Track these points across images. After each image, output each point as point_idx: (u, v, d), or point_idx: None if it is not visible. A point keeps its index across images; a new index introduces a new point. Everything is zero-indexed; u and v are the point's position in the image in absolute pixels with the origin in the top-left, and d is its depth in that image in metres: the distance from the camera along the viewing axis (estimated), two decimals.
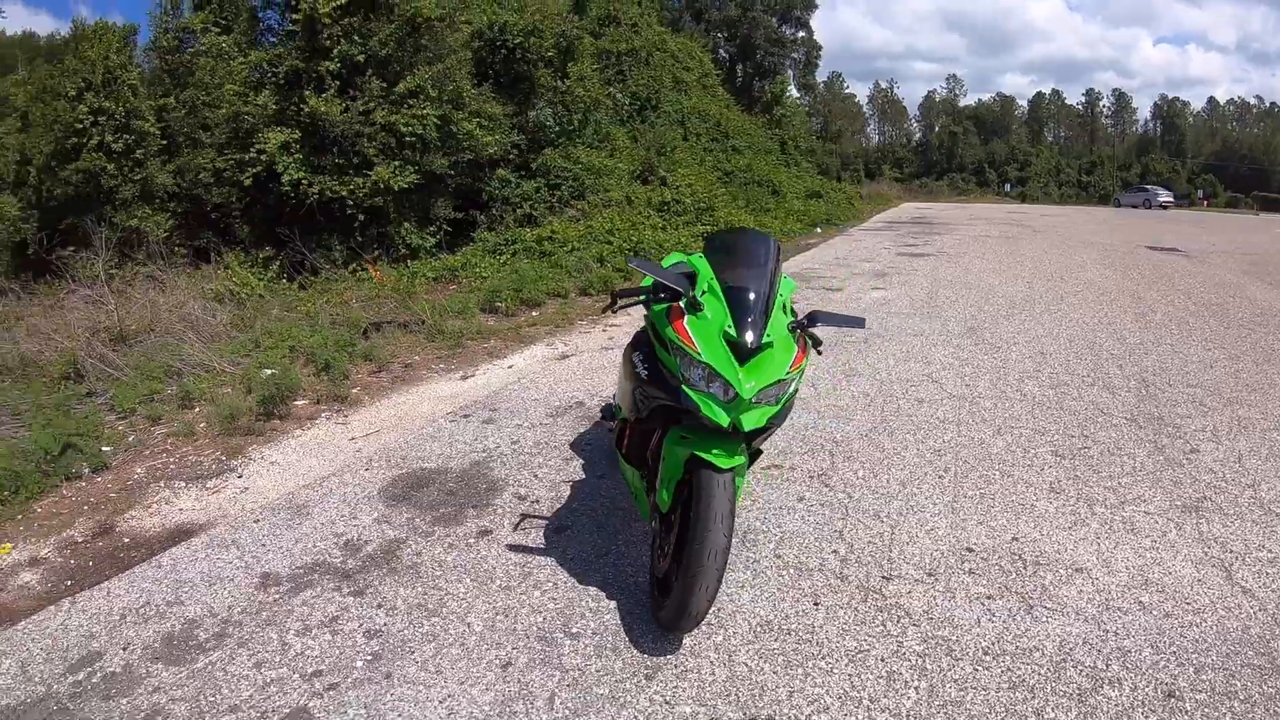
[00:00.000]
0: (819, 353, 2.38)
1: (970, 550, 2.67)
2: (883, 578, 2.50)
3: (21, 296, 8.14)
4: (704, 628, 2.22)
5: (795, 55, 47.23)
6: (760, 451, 2.51)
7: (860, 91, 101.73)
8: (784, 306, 2.30)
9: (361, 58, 9.43)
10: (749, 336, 2.09)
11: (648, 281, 2.57)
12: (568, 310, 7.09)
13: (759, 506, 3.02)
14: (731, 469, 2.07)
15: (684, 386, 2.08)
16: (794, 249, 12.57)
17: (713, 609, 2.21)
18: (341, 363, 4.92)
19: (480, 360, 5.42)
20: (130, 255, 8.99)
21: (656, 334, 2.31)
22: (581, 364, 5.25)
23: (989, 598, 2.39)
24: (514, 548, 2.70)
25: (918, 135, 68.08)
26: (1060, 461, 3.48)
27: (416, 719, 1.89)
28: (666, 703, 1.95)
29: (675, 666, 2.09)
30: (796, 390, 2.23)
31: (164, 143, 10.44)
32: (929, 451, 3.59)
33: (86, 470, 3.41)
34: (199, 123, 10.52)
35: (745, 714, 1.91)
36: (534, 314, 6.97)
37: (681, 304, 2.20)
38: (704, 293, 2.21)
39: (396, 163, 9.53)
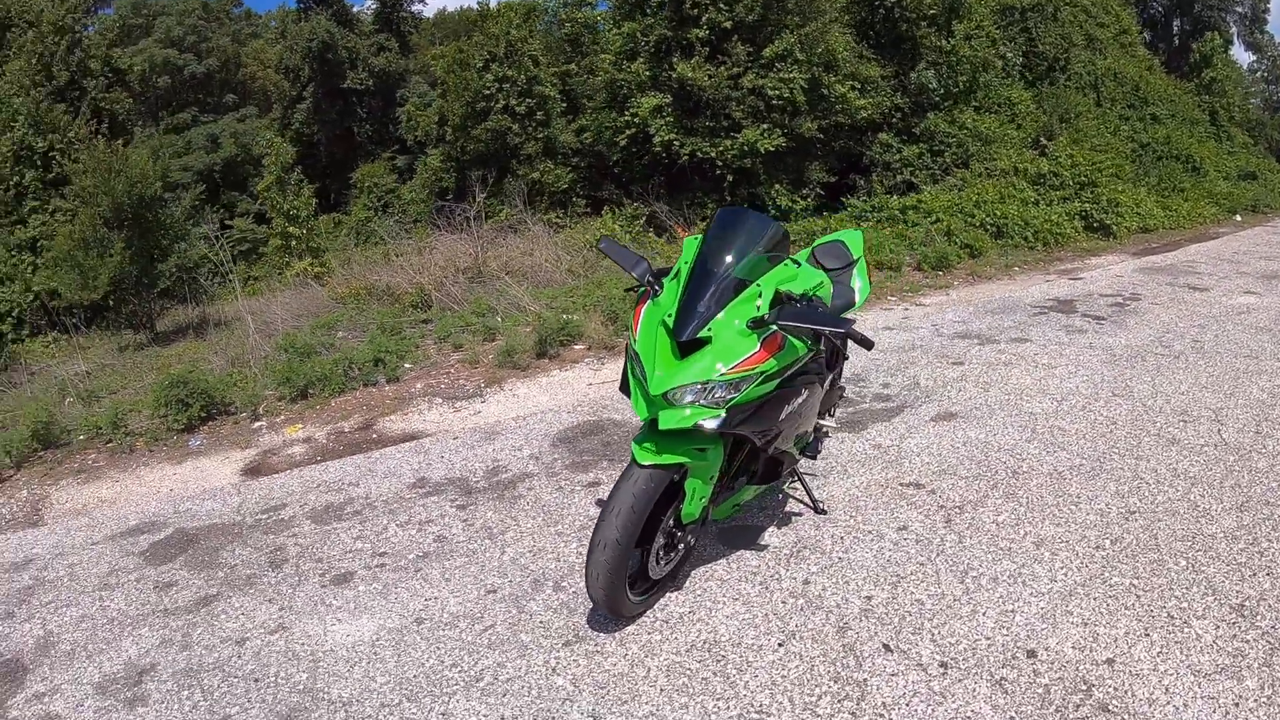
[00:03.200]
0: (866, 347, 2.10)
1: (1032, 655, 2.11)
2: (852, 657, 2.19)
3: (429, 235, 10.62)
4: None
5: (1240, 8, 33.34)
6: (778, 466, 2.44)
7: None
8: (760, 298, 2.12)
9: (728, 24, 9.90)
10: (680, 327, 2.05)
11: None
12: (885, 285, 6.89)
13: (842, 523, 2.81)
14: (654, 465, 2.07)
15: (630, 374, 2.17)
16: (1192, 238, 9.53)
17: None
18: (629, 315, 5.70)
19: None
20: (534, 204, 11.44)
21: None
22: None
23: None
24: (599, 502, 3.00)
25: None
26: None
27: (403, 604, 2.52)
28: (564, 661, 2.18)
29: (592, 642, 2.26)
30: (769, 395, 2.11)
31: (564, 105, 12.50)
32: (1121, 509, 2.74)
33: (382, 380, 4.93)
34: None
35: None
36: None
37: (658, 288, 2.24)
38: (674, 276, 2.22)
39: (765, 126, 9.89)
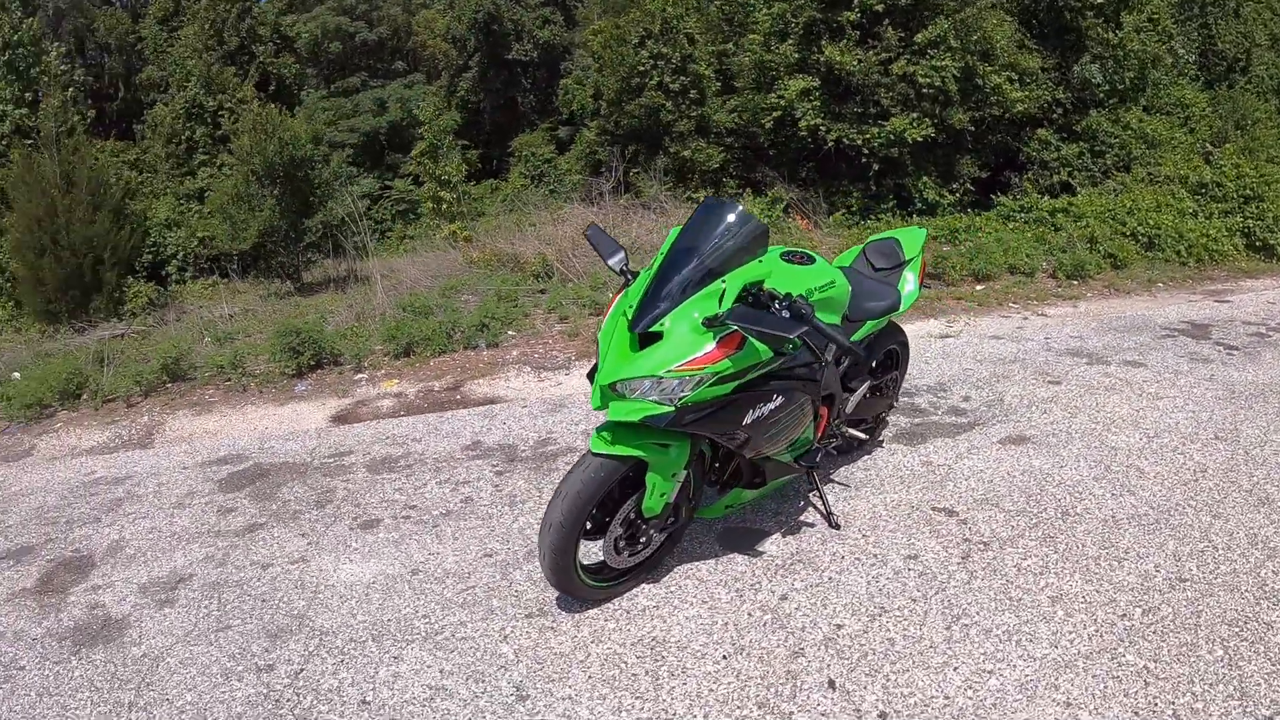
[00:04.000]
0: (851, 357, 2.01)
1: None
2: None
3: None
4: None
5: None
6: (759, 472, 2.41)
7: None
8: (723, 294, 2.05)
9: (880, 7, 9.48)
10: (637, 319, 2.05)
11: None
12: (1012, 290, 6.38)
13: (850, 541, 2.68)
14: (606, 455, 2.10)
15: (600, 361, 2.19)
16: None
17: None
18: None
19: None
20: (686, 182, 11.49)
21: None
22: (948, 349, 4.87)
23: None
24: None
25: None
26: None
27: (408, 555, 2.72)
28: (517, 631, 2.29)
29: (550, 619, 2.34)
30: (729, 397, 2.07)
31: (718, 84, 12.41)
32: (1171, 574, 2.37)
33: (482, 345, 5.26)
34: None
35: None
36: (977, 287, 6.53)
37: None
38: (650, 267, 2.21)
39: (914, 115, 9.51)
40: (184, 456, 3.65)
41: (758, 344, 2.07)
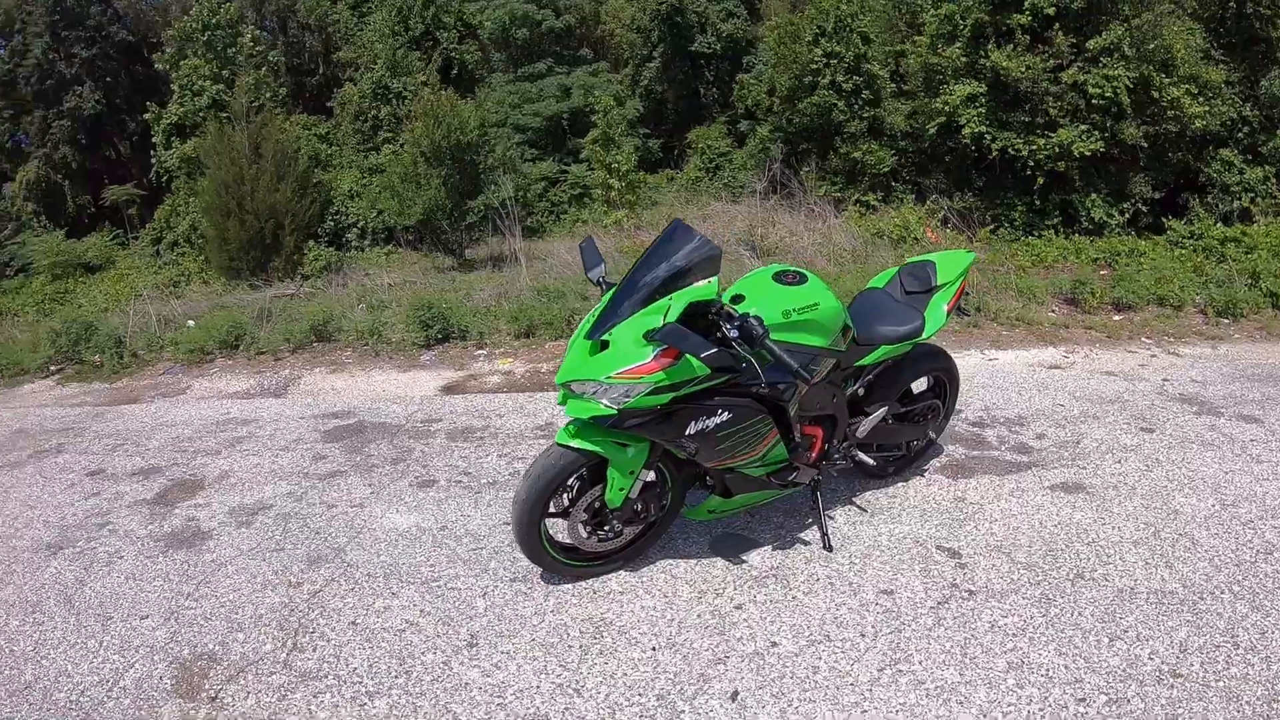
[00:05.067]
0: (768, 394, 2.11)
1: None
2: None
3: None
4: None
5: None
6: (725, 482, 2.52)
7: None
8: (667, 311, 2.18)
9: (1051, 10, 8.88)
10: (594, 328, 2.27)
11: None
12: (1151, 324, 5.72)
13: (834, 566, 2.69)
14: (566, 447, 2.34)
15: None
16: None
17: None
18: None
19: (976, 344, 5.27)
20: (856, 184, 11.24)
21: None
22: (1048, 380, 4.54)
23: None
24: None
25: None
26: None
27: (445, 513, 3.12)
28: (497, 591, 2.62)
29: (530, 584, 2.62)
30: (668, 406, 2.21)
31: (893, 86, 11.93)
32: (1165, 665, 2.12)
33: None
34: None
35: None
36: (1114, 317, 5.94)
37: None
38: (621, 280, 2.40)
39: (1083, 126, 8.93)
40: (304, 408, 4.45)
41: (693, 359, 2.18)
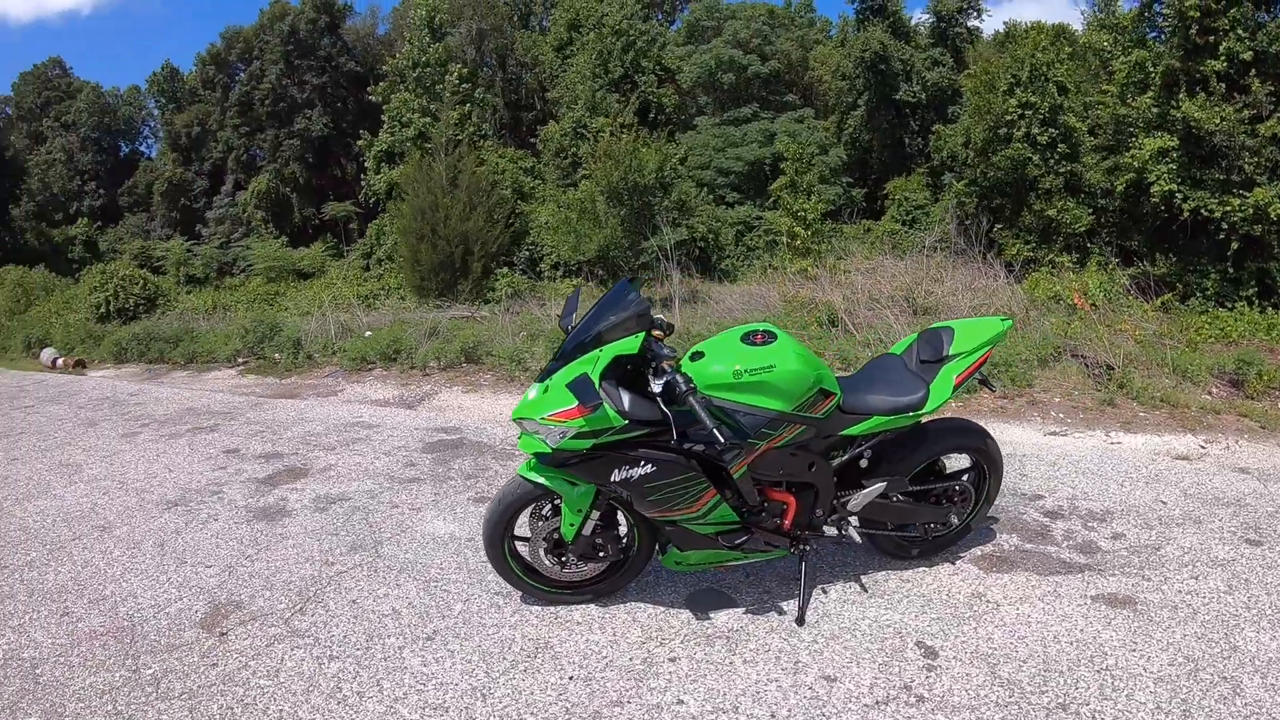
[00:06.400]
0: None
1: None
2: None
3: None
4: None
5: None
6: (670, 535, 2.61)
7: None
8: (596, 363, 2.34)
9: (1248, 55, 7.73)
10: (542, 373, 2.52)
11: None
12: None
13: (795, 642, 2.62)
14: (524, 478, 2.58)
15: None
16: None
17: None
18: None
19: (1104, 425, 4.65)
20: (1050, 243, 10.32)
21: None
22: (1164, 472, 3.89)
23: None
24: None
25: None
26: None
27: (477, 526, 3.54)
28: (487, 598, 2.93)
29: (513, 601, 2.90)
30: (593, 452, 2.38)
31: (1091, 139, 10.81)
32: None
33: None
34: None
35: None
36: None
37: None
38: None
39: None
40: (425, 421, 5.21)
41: (609, 410, 2.32)
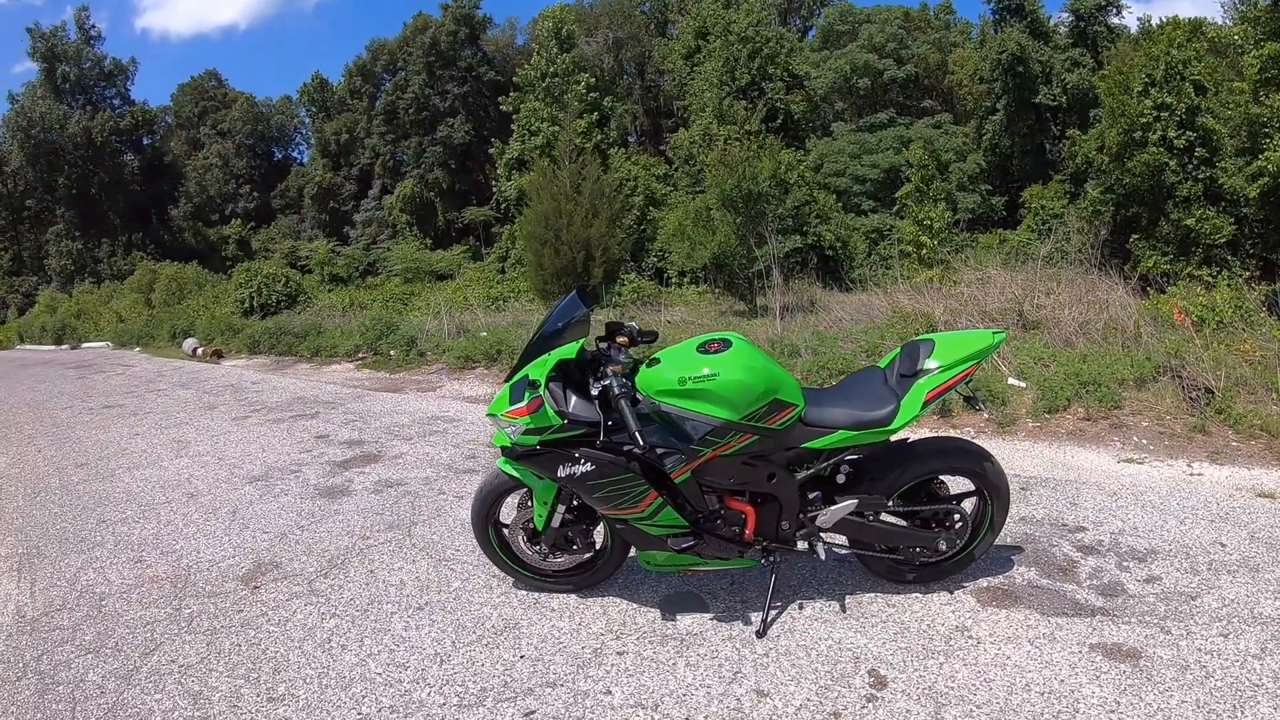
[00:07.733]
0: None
1: None
2: None
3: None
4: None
5: None
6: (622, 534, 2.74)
7: None
8: (545, 364, 2.50)
9: None
10: (509, 373, 2.73)
11: None
12: None
13: (745, 653, 2.67)
14: (501, 471, 2.82)
15: None
16: None
17: None
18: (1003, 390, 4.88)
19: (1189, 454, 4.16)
20: (1189, 254, 9.16)
21: None
22: (1233, 511, 3.46)
23: None
24: None
25: None
26: None
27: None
28: (483, 579, 3.24)
29: (504, 582, 3.17)
30: (541, 448, 2.57)
31: (1233, 141, 9.37)
32: None
33: None
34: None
35: None
36: None
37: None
38: None
39: None
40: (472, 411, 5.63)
41: (549, 410, 2.48)
